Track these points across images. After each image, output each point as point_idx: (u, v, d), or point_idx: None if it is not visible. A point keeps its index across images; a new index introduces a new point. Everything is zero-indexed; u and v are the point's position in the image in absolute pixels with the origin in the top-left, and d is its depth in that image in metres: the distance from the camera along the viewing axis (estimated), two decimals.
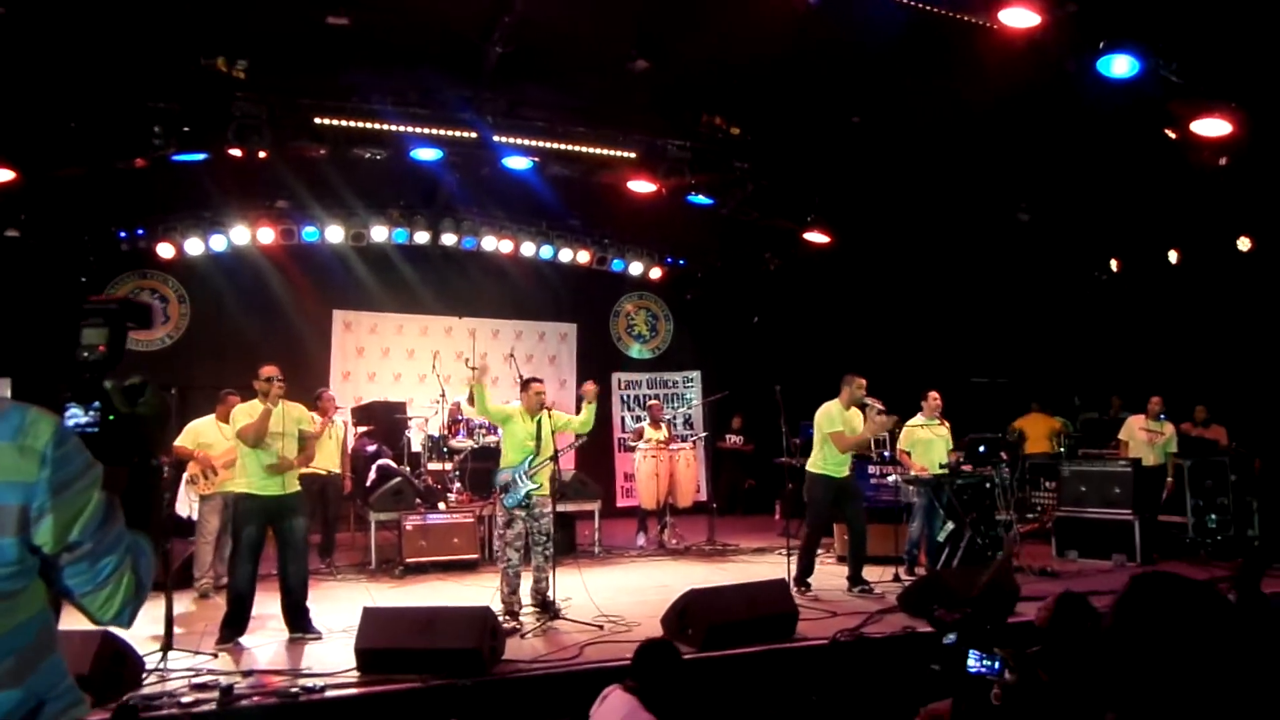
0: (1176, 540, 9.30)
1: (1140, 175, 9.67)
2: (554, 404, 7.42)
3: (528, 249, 13.28)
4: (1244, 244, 10.37)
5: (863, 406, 8.00)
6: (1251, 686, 1.68)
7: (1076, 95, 8.02)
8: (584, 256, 13.68)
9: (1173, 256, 11.21)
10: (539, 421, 7.02)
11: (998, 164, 10.06)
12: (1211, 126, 7.84)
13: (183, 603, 7.38)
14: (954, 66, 7.98)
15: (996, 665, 2.86)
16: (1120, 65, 7.27)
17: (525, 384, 7.19)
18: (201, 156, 9.28)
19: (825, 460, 7.87)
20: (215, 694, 4.71)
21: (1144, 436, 9.61)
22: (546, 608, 6.81)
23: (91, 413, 1.81)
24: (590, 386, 7.41)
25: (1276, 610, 4.33)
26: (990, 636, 2.95)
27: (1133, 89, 7.62)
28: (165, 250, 11.64)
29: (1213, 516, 9.49)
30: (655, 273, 14.54)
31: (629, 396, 14.52)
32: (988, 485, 8.66)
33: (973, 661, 2.86)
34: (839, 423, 7.86)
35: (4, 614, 1.52)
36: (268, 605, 6.53)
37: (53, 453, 1.53)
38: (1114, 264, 12.07)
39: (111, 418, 1.82)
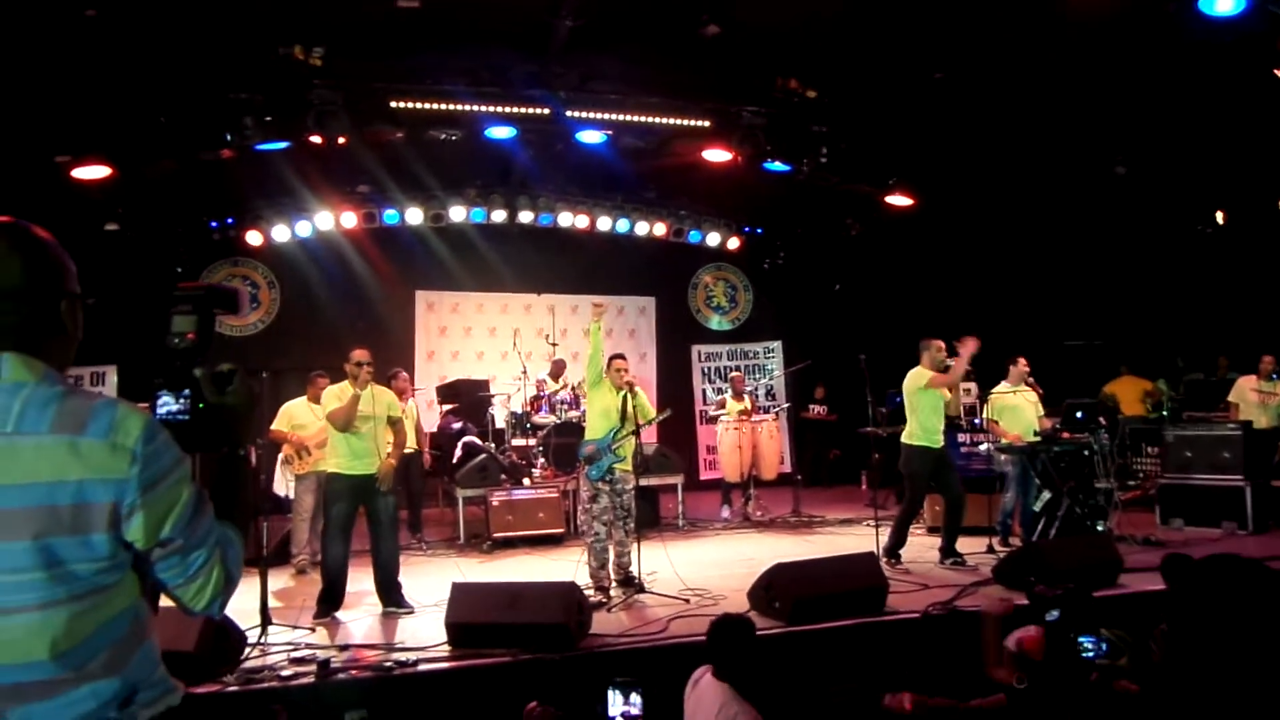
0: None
1: (1246, 120, 9.08)
2: (636, 379, 7.37)
3: (604, 223, 13.25)
4: None
5: (945, 369, 7.76)
6: None
7: (1177, 36, 7.56)
8: (660, 229, 13.60)
9: None
10: (624, 397, 7.02)
11: (1091, 115, 9.56)
12: None
13: (281, 579, 7.64)
14: (1042, 12, 7.60)
15: (1105, 647, 2.70)
16: (1224, 2, 6.81)
17: (609, 361, 7.16)
18: (283, 145, 9.47)
19: (921, 430, 7.66)
20: (313, 667, 4.85)
21: (1255, 398, 9.11)
22: (630, 582, 6.83)
23: (182, 400, 1.84)
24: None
25: None
26: (1097, 615, 2.79)
27: (1238, 26, 7.15)
28: (254, 238, 12.00)
29: None
30: (733, 243, 14.36)
31: (709, 369, 14.43)
32: (1086, 453, 8.32)
33: (1087, 646, 2.69)
34: (924, 380, 7.65)
35: (100, 607, 1.56)
36: (363, 581, 6.70)
37: (142, 450, 1.56)
38: (1219, 216, 11.41)
39: (201, 406, 1.84)
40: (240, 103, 8.88)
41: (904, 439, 7.80)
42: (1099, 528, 7.95)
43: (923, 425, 7.67)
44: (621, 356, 7.23)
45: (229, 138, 9.00)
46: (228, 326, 11.92)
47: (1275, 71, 7.71)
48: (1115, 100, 9.17)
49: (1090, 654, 2.70)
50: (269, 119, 9.05)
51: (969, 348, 7.59)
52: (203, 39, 7.86)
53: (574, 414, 10.21)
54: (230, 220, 11.97)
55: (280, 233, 12.05)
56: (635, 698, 3.30)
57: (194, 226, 11.86)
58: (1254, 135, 9.46)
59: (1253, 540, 8.13)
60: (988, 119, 9.85)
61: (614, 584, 6.85)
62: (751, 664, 3.80)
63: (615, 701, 3.33)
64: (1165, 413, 10.55)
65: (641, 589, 6.71)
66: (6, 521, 1.49)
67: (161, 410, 1.82)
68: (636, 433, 7.04)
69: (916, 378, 7.74)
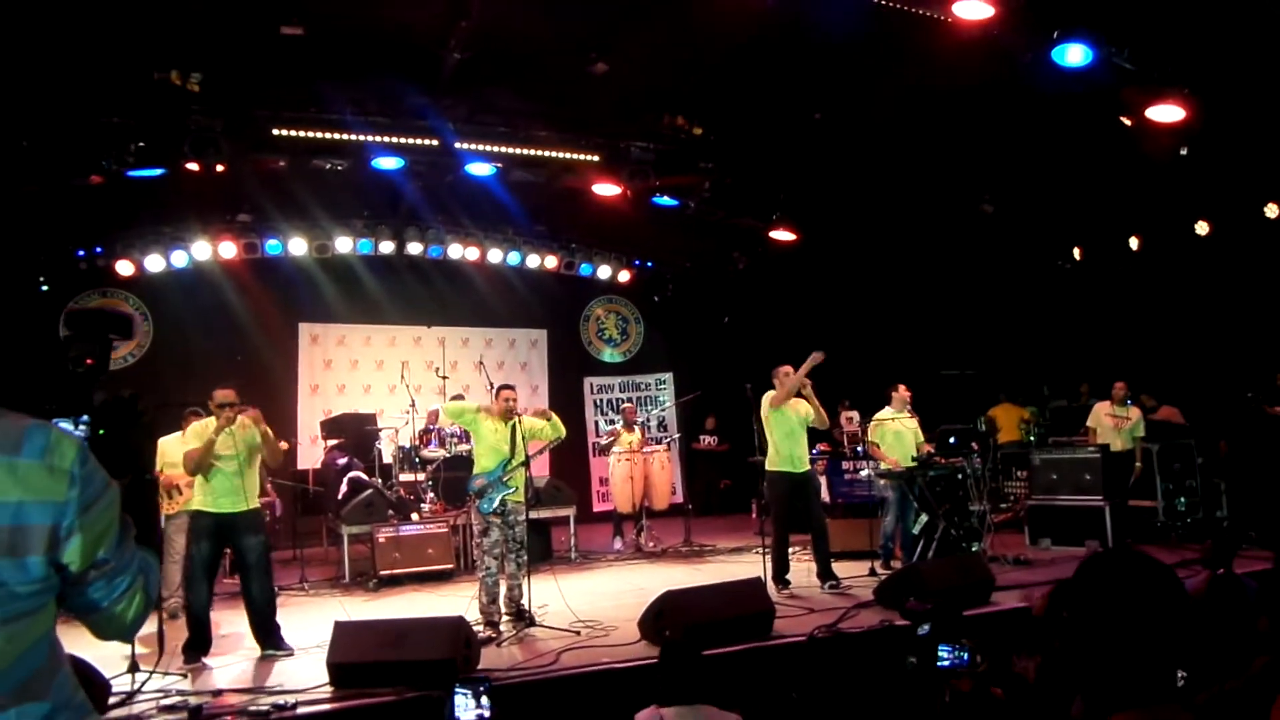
0: (1148, 524, 9.40)
1: (1099, 163, 9.77)
2: (526, 410, 7.38)
3: (494, 256, 13.21)
4: (1202, 229, 10.51)
5: (800, 393, 7.98)
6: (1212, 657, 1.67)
7: (1033, 85, 8.09)
8: (551, 262, 13.65)
9: (1133, 243, 11.34)
10: (512, 427, 7.01)
11: (959, 156, 10.12)
12: (1165, 112, 7.92)
13: (150, 623, 7.24)
14: (912, 60, 8.02)
15: (965, 657, 2.84)
16: (1074, 54, 7.34)
17: (496, 391, 7.17)
18: (159, 172, 9.12)
19: (777, 454, 7.89)
20: (184, 715, 4.63)
21: (1110, 422, 9.70)
22: (521, 615, 6.77)
23: (81, 427, 1.78)
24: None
25: (1247, 589, 4.39)
26: (961, 627, 2.93)
27: (1087, 77, 7.70)
28: (125, 268, 11.47)
29: (1182, 499, 9.60)
30: (624, 276, 14.53)
31: (602, 400, 14.49)
32: (960, 476, 8.70)
33: (943, 654, 2.83)
34: (768, 400, 7.89)
35: (28, 629, 1.54)
36: (239, 623, 6.42)
37: (79, 471, 1.56)
38: (1077, 252, 12.19)
39: (102, 432, 1.79)
40: (112, 127, 8.52)
41: (766, 465, 8.01)
42: (973, 548, 8.31)
43: (778, 449, 7.89)
44: (510, 387, 7.24)
45: (101, 162, 8.61)
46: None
47: (1122, 118, 8.34)
48: (981, 142, 9.73)
49: (946, 663, 2.84)
50: (143, 144, 8.71)
51: (812, 359, 7.83)
52: (73, 60, 7.54)
53: (464, 447, 10.07)
54: (99, 249, 11.41)
55: (154, 262, 11.55)
56: (485, 700, 3.25)
57: (59, 255, 11.25)
58: (1106, 177, 10.18)
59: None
60: (864, 158, 10.30)
61: (505, 618, 6.77)
62: (704, 680, 3.82)
63: (464, 706, 3.26)
64: (1032, 438, 11.12)
65: (532, 622, 6.66)
66: None
67: None
68: (526, 463, 7.01)
69: (764, 401, 7.97)
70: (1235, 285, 10.48)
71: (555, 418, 7.47)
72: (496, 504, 6.78)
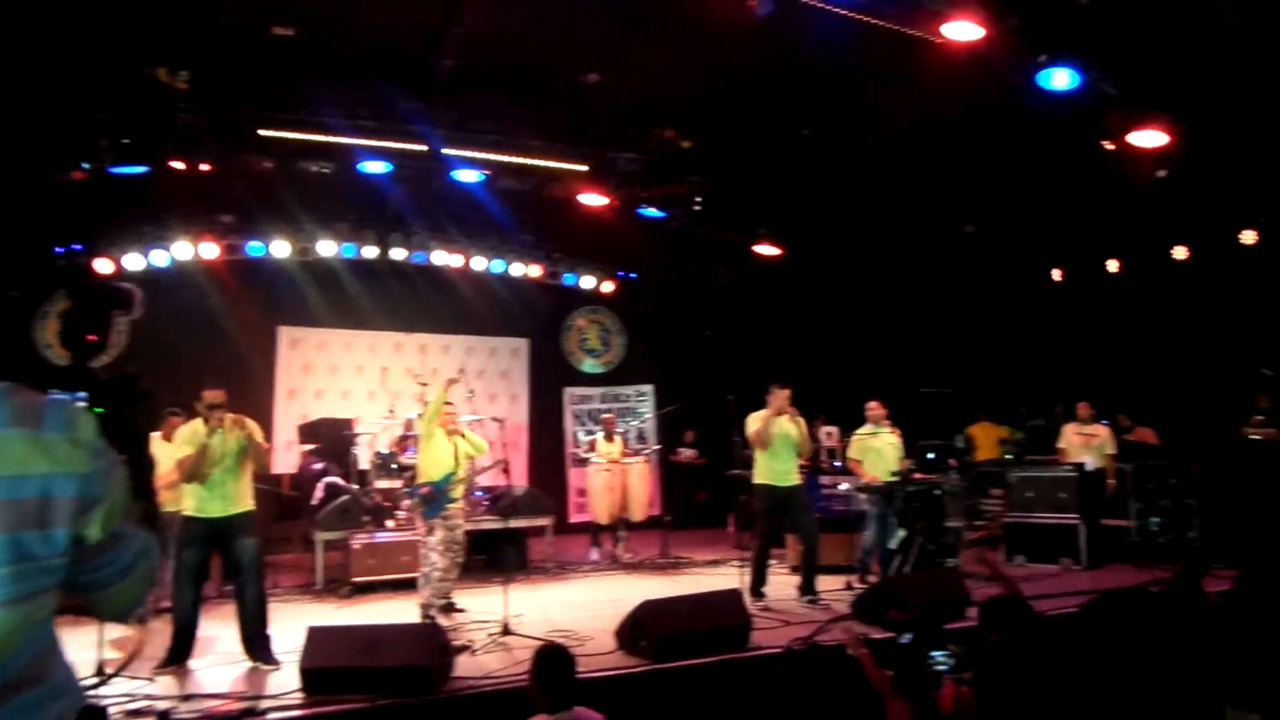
0: (1120, 543, 9.47)
1: (1080, 187, 9.90)
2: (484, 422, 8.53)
3: (478, 263, 13.19)
4: (1180, 253, 10.67)
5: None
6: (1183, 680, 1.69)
7: (1020, 108, 8.19)
8: (535, 271, 13.63)
9: (1112, 266, 11.49)
10: (456, 442, 7.64)
11: (944, 176, 10.23)
12: (1147, 138, 8.05)
13: (119, 628, 7.13)
14: (901, 81, 8.11)
15: (954, 662, 2.87)
16: (1060, 78, 7.44)
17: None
18: (142, 170, 9.04)
19: (765, 470, 7.92)
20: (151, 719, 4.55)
21: (1078, 440, 9.82)
22: (450, 609, 7.51)
23: (79, 404, 1.77)
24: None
25: (1216, 608, 4.42)
26: (944, 635, 2.96)
27: (1072, 101, 7.82)
28: (104, 266, 11.33)
29: (1154, 519, 9.68)
30: (607, 286, 14.54)
31: (582, 411, 14.46)
32: (937, 492, 8.75)
33: (937, 659, 2.87)
34: (755, 423, 7.96)
35: (43, 606, 1.53)
36: (209, 628, 6.34)
37: (99, 445, 1.58)
38: (1057, 274, 12.33)
39: (100, 410, 1.79)
40: (97, 123, 8.44)
41: (753, 478, 8.08)
42: (949, 564, 8.34)
43: (766, 464, 7.93)
44: (450, 403, 7.79)
45: (83, 158, 8.52)
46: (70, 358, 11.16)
47: (1104, 144, 8.46)
48: (966, 163, 9.85)
49: (941, 667, 2.87)
50: (127, 141, 8.63)
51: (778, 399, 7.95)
52: (59, 53, 7.47)
53: None
54: (78, 246, 11.27)
55: (133, 261, 11.41)
56: None
57: (37, 252, 11.12)
58: (1087, 200, 10.32)
59: (1085, 575, 8.70)
60: (850, 176, 10.39)
61: (436, 612, 7.28)
62: (573, 690, 3.90)
63: None
64: (1010, 456, 11.22)
65: (507, 630, 6.62)
66: None
67: None
68: (468, 477, 7.83)
69: (750, 422, 8.03)
70: (1211, 310, 10.65)
71: (471, 436, 8.02)
72: (440, 510, 7.39)
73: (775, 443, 7.96)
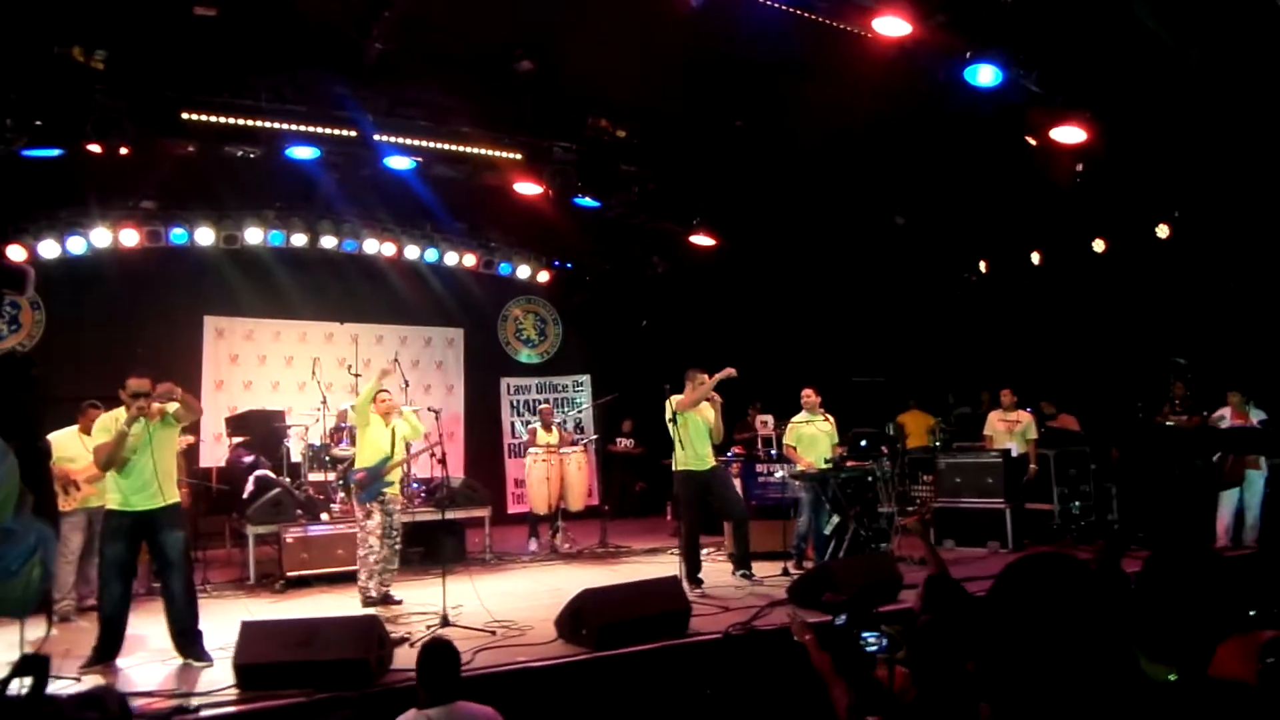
0: (1044, 526, 9.80)
1: (1005, 181, 10.19)
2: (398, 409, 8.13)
3: (411, 252, 13.00)
4: (1099, 246, 11.06)
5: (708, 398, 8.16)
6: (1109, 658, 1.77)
7: (946, 103, 8.39)
8: (470, 260, 13.51)
9: (1035, 258, 11.85)
10: (392, 428, 7.73)
11: (874, 169, 10.42)
12: (1068, 134, 8.32)
13: (40, 626, 6.88)
14: (832, 74, 8.24)
15: (885, 642, 2.95)
16: (985, 74, 7.65)
17: (375, 395, 7.78)
18: (57, 152, 8.70)
19: (684, 456, 8.01)
20: None
21: (1002, 426, 10.15)
22: (388, 600, 7.55)
23: None
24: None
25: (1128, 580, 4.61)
26: (878, 616, 3.04)
27: (996, 98, 8.04)
28: (16, 253, 10.86)
29: (1076, 503, 10.04)
30: (543, 276, 14.48)
31: (519, 402, 14.38)
32: (870, 479, 8.93)
33: (869, 640, 2.95)
34: (670, 411, 8.03)
35: None
36: (141, 626, 6.17)
37: None
38: (982, 266, 12.67)
39: None
40: (7, 103, 8.07)
41: (673, 466, 8.14)
42: (881, 548, 8.53)
43: (685, 452, 8.01)
44: (385, 390, 7.84)
45: None
46: None
47: (1027, 139, 8.71)
48: (896, 156, 10.05)
49: (873, 648, 2.95)
50: (40, 123, 8.27)
51: (725, 372, 8.06)
52: None
53: None
54: None
55: (48, 248, 10.97)
56: None
57: None
58: (1011, 195, 10.63)
59: (1012, 557, 8.91)
60: (783, 167, 10.51)
61: (376, 597, 7.47)
62: (456, 686, 3.98)
63: None
64: (938, 443, 11.51)
65: (446, 622, 6.57)
66: None
67: None
68: (405, 461, 7.91)
69: (670, 403, 8.10)
70: (1129, 300, 11.07)
71: (409, 417, 8.17)
72: (376, 495, 7.52)
73: (690, 429, 8.03)
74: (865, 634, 2.96)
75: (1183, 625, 1.82)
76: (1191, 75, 7.46)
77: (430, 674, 3.98)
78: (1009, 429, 10.09)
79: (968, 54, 7.58)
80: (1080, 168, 9.26)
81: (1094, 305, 11.47)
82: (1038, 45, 7.65)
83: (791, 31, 7.60)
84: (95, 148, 8.44)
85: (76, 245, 11.05)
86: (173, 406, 5.99)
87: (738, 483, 9.86)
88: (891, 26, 7.33)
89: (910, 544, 9.26)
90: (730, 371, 8.06)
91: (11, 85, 8.04)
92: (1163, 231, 10.42)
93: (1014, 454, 9.84)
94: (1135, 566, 5.22)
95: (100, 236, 11.07)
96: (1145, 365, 10.41)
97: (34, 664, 1.41)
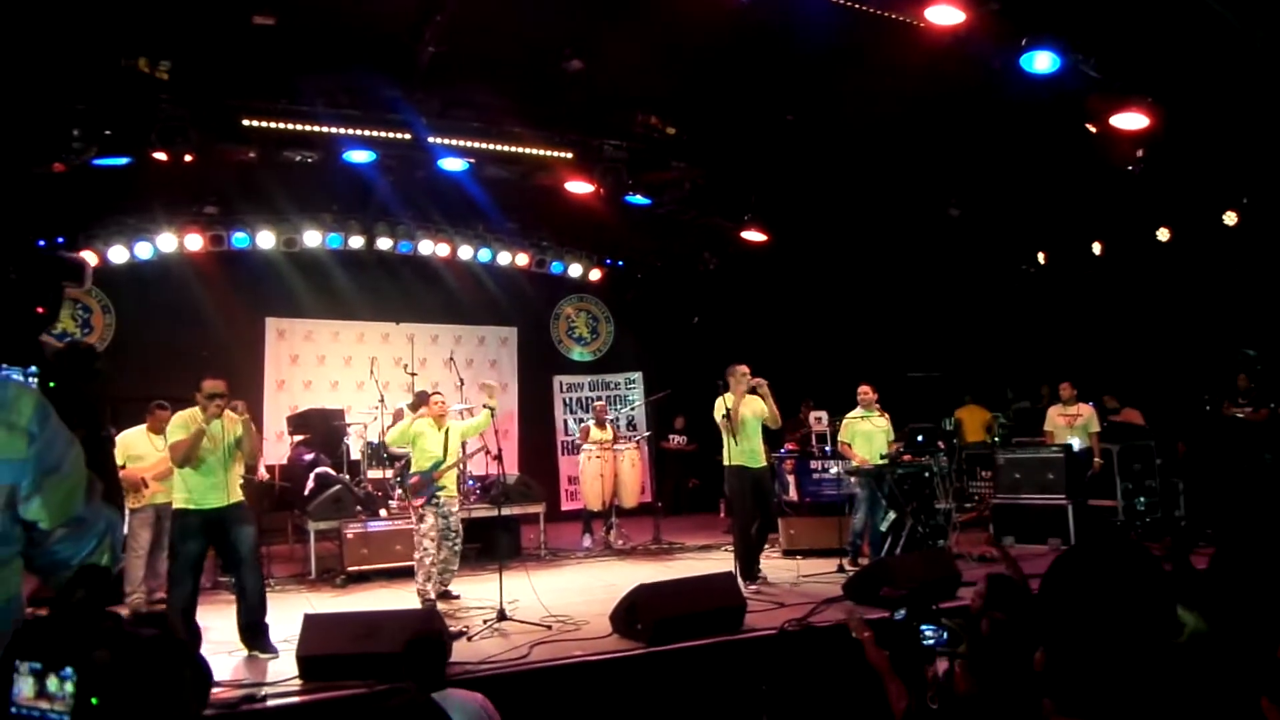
0: (1108, 523, 9.58)
1: (1063, 169, 9.96)
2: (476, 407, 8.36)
3: (465, 252, 13.14)
4: (1163, 235, 10.75)
5: (754, 390, 8.13)
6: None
7: (1002, 91, 8.23)
8: (522, 259, 13.62)
9: (1096, 248, 11.56)
10: (445, 431, 7.70)
11: (928, 160, 10.26)
12: (1129, 120, 8.10)
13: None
14: (883, 65, 8.13)
15: (945, 636, 2.92)
16: (1042, 61, 7.49)
17: (427, 398, 7.90)
18: (124, 161, 8.98)
19: (735, 451, 7.98)
20: None
21: (1063, 422, 9.93)
22: (447, 597, 7.58)
23: (29, 378, 1.75)
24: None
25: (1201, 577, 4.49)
26: (938, 610, 3.00)
27: (1054, 84, 7.86)
28: (87, 259, 11.24)
29: (1141, 499, 9.79)
30: (595, 274, 14.53)
31: (571, 399, 14.46)
32: (926, 475, 8.82)
33: (927, 634, 2.92)
34: (722, 410, 8.01)
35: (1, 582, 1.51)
36: (207, 618, 6.34)
37: (39, 430, 1.51)
38: (1041, 257, 12.40)
39: (52, 385, 1.77)
40: (77, 114, 8.35)
41: (724, 461, 8.12)
42: (939, 545, 8.42)
43: (737, 448, 8.00)
44: (438, 392, 7.96)
45: (64, 150, 8.44)
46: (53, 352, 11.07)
47: (1087, 126, 8.51)
48: (950, 147, 9.88)
49: (931, 641, 2.92)
50: (108, 133, 8.55)
51: (754, 381, 8.09)
52: (37, 44, 7.39)
53: None
54: (60, 239, 11.17)
55: (117, 254, 11.32)
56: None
57: (18, 245, 11.01)
58: (1070, 183, 10.38)
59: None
60: (835, 160, 10.40)
61: (434, 598, 7.37)
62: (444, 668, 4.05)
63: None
64: (997, 439, 11.32)
65: (504, 616, 6.65)
66: None
67: None
68: (461, 463, 7.95)
69: (716, 410, 8.08)
70: (1194, 290, 10.74)
71: (489, 397, 8.05)
72: (430, 498, 7.47)
73: (745, 425, 8.00)
74: (924, 627, 2.93)
75: (1252, 622, 1.78)
76: (1258, 56, 7.21)
77: (418, 666, 4.01)
78: (1069, 423, 9.88)
79: (1023, 41, 7.42)
80: (1142, 154, 9.00)
81: (1158, 296, 11.15)
82: (1095, 30, 7.46)
83: (841, 23, 7.52)
84: (161, 155, 8.70)
85: (143, 250, 11.40)
86: (242, 419, 6.28)
87: (791, 480, 9.83)
88: (944, 15, 7.22)
89: (969, 540, 9.14)
90: (760, 381, 8.12)
91: (81, 97, 8.32)
92: (1230, 219, 10.09)
93: (1075, 449, 9.63)
94: (1203, 564, 5.09)
95: (166, 241, 11.40)
96: (1211, 357, 10.11)
97: (93, 574, 1.45)
